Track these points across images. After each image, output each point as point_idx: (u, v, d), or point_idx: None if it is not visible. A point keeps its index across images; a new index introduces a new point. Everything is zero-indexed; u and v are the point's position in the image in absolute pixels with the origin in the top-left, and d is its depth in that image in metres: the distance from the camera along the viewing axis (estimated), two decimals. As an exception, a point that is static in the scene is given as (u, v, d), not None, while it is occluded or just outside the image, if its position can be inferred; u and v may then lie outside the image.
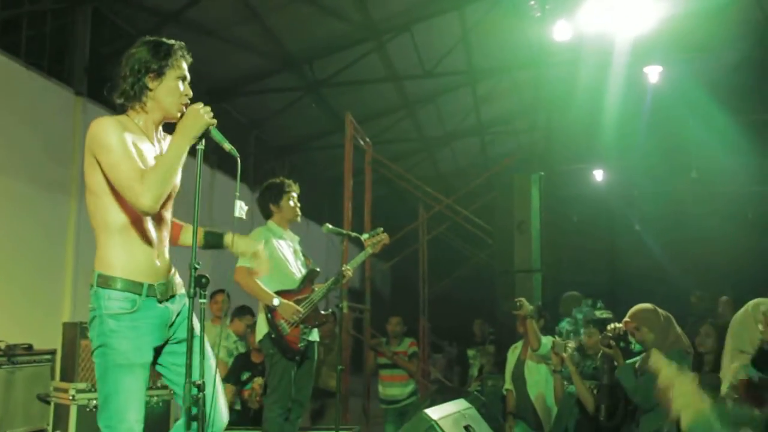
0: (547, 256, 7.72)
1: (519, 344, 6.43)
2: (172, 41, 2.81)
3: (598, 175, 16.23)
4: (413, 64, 12.67)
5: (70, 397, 4.91)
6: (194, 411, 2.49)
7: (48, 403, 5.20)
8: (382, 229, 5.18)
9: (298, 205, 5.12)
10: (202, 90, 11.98)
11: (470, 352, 9.09)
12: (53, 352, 5.61)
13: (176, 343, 2.80)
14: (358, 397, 9.22)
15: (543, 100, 14.79)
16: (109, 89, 2.78)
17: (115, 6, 9.93)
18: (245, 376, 6.53)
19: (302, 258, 5.14)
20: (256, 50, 11.45)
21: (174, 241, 3.01)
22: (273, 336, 4.72)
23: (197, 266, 2.52)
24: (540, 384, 6.03)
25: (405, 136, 16.33)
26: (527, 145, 15.49)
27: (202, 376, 2.55)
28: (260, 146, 14.53)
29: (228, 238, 3.03)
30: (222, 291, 6.89)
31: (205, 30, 10.43)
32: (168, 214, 2.85)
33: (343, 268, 4.96)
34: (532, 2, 10.65)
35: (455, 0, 11.35)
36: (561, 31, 9.56)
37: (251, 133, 14.17)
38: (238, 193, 2.82)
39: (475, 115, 15.69)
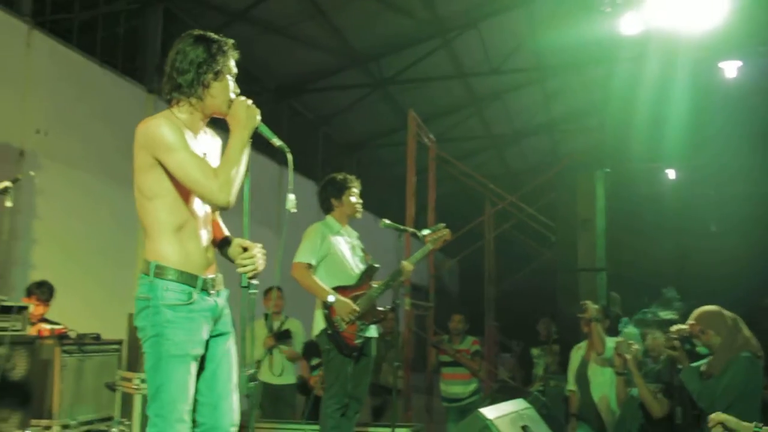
0: (614, 254, 7.52)
1: (583, 344, 6.28)
2: (222, 37, 2.82)
3: (671, 173, 15.74)
4: (480, 61, 12.56)
5: (135, 386, 5.01)
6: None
7: (115, 391, 5.32)
8: (443, 224, 5.08)
9: (360, 201, 5.09)
10: (270, 87, 12.14)
11: (534, 352, 8.92)
12: (120, 342, 5.74)
13: (212, 337, 2.81)
14: (421, 395, 9.18)
15: (612, 97, 14.43)
16: (161, 82, 2.81)
17: (185, 5, 10.13)
18: (314, 361, 6.55)
19: (361, 254, 5.09)
20: (323, 47, 11.52)
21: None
22: (329, 332, 4.70)
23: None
24: (605, 386, 5.87)
25: (472, 134, 16.21)
26: (597, 142, 15.15)
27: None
28: (328, 143, 14.64)
29: (230, 251, 2.90)
30: (275, 287, 6.94)
31: (272, 27, 10.56)
32: (213, 213, 2.91)
33: (402, 264, 4.91)
34: (604, -4, 10.39)
35: (523, -1, 11.18)
36: (630, 25, 9.28)
37: (319, 129, 14.28)
38: (291, 186, 2.82)
39: (545, 112, 15.45)
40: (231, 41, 2.84)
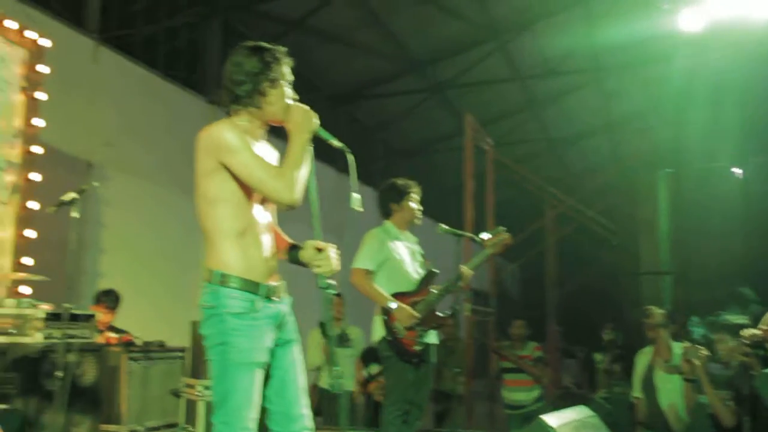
0: (679, 257, 7.28)
1: (648, 349, 6.11)
2: (275, 46, 2.86)
3: (737, 172, 15.25)
4: (537, 63, 12.42)
5: (198, 393, 5.07)
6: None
7: (179, 397, 5.39)
8: (503, 228, 4.99)
9: (420, 207, 5.04)
10: (327, 94, 12.21)
11: (597, 357, 8.73)
12: (184, 350, 5.81)
13: (278, 345, 2.80)
14: (484, 401, 9.08)
15: (673, 95, 14.07)
16: (220, 92, 2.84)
17: (243, 17, 10.27)
18: (374, 369, 6.52)
19: (420, 259, 5.03)
20: (380, 53, 11.56)
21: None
22: (389, 339, 4.67)
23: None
24: (673, 393, 5.69)
25: (530, 137, 16.04)
26: (658, 142, 14.80)
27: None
28: (385, 149, 14.65)
29: (304, 254, 2.89)
30: (337, 295, 6.94)
31: (328, 35, 10.62)
32: (273, 218, 2.92)
33: (461, 270, 4.84)
34: (662, -8, 10.15)
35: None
36: (690, 21, 9.02)
37: (377, 136, 14.31)
38: (354, 186, 2.84)
39: (604, 113, 15.16)
40: (284, 49, 2.87)
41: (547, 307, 11.58)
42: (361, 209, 2.85)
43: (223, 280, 2.67)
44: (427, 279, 4.87)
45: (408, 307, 4.65)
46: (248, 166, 2.64)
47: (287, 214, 2.93)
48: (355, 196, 2.85)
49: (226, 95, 2.83)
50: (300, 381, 2.84)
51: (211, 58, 9.88)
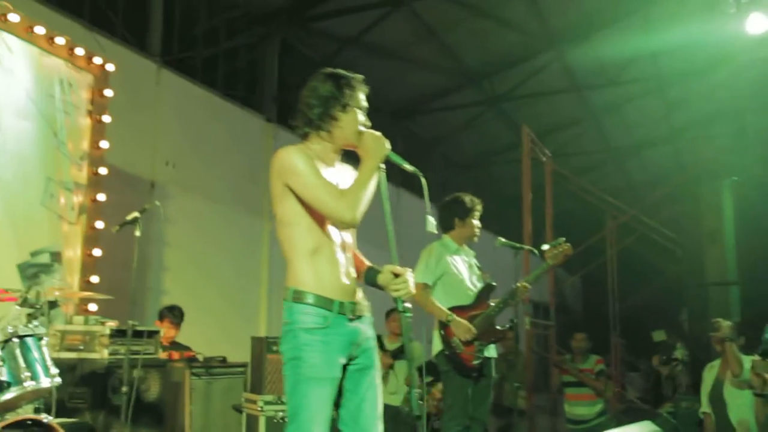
0: (746, 267, 7.04)
1: (716, 363, 5.94)
2: (352, 74, 2.91)
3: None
4: (595, 73, 12.25)
5: (259, 408, 5.13)
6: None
7: (241, 413, 5.45)
8: (563, 239, 4.92)
9: (479, 225, 5.01)
10: (385, 109, 12.27)
11: (663, 371, 8.51)
12: (245, 365, 5.88)
13: (357, 369, 2.83)
14: (546, 416, 8.94)
15: (739, 102, 13.69)
16: (293, 117, 2.92)
17: (300, 36, 10.42)
18: (427, 379, 6.50)
19: (478, 273, 5.00)
20: (436, 68, 11.59)
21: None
22: (447, 353, 4.65)
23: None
24: (743, 408, 5.52)
25: (590, 148, 15.80)
26: (723, 150, 14.40)
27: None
28: (444, 163, 14.63)
29: (381, 278, 2.92)
30: (396, 309, 6.94)
31: (384, 51, 10.70)
32: (350, 239, 2.93)
33: (519, 284, 4.79)
34: (728, -5, 9.94)
35: (637, 5, 10.80)
36: (757, 24, 8.75)
37: (435, 150, 14.31)
38: (428, 209, 2.92)
39: (666, 121, 14.85)
40: (360, 77, 2.94)
41: (609, 319, 11.35)
42: (436, 232, 2.95)
43: (297, 296, 2.73)
44: (485, 292, 4.86)
45: (465, 321, 4.64)
46: (309, 187, 2.70)
47: (362, 238, 3.02)
48: (430, 220, 2.92)
49: (300, 119, 2.89)
50: (376, 408, 2.84)
51: (269, 76, 10.08)
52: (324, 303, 2.72)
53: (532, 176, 8.81)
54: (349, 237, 2.93)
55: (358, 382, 2.81)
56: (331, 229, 2.81)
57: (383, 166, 2.79)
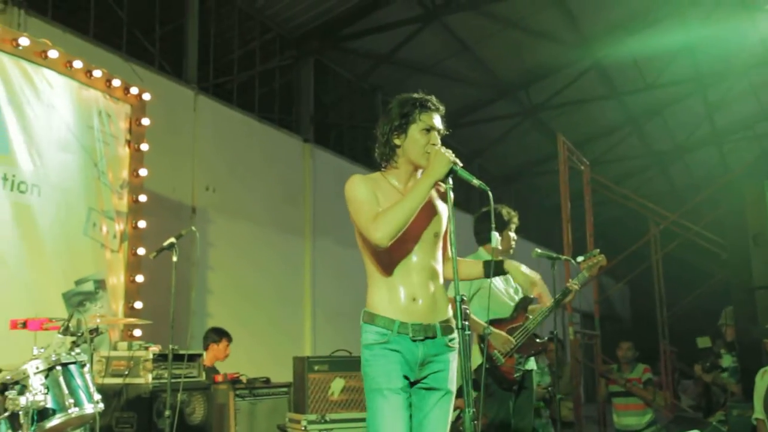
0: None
1: (770, 368, 5.77)
2: (419, 95, 2.92)
3: None
4: (634, 78, 12.14)
5: (303, 428, 5.16)
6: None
7: (286, 432, 5.49)
8: (598, 250, 4.85)
9: (515, 238, 4.96)
10: (421, 126, 12.29)
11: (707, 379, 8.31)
12: (289, 385, 5.91)
13: (425, 388, 2.88)
14: (594, 426, 8.81)
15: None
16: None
17: (334, 55, 10.52)
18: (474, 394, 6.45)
19: (515, 286, 4.96)
20: (471, 81, 11.61)
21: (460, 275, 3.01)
22: (487, 366, 4.63)
23: (463, 297, 2.63)
24: (799, 413, 5.36)
25: (633, 153, 15.64)
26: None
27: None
28: (484, 175, 14.58)
29: (507, 265, 3.11)
30: None
31: (417, 68, 10.74)
32: (430, 259, 2.92)
33: (568, 284, 4.74)
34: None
35: (673, 7, 10.68)
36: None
37: (474, 162, 14.30)
38: (493, 225, 3.06)
39: (708, 123, 14.61)
40: (430, 97, 2.94)
41: (657, 326, 11.15)
42: (500, 248, 3.21)
43: (366, 318, 2.87)
44: (523, 305, 4.82)
45: (504, 333, 4.62)
46: (355, 214, 2.82)
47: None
48: (495, 236, 2.92)
49: (377, 151, 2.98)
50: (440, 428, 2.85)
51: (305, 97, 10.20)
52: (385, 323, 2.82)
53: (572, 185, 8.75)
54: (430, 256, 2.92)
55: (425, 399, 2.87)
56: (401, 251, 2.84)
57: (450, 182, 2.75)
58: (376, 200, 2.80)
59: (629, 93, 12.81)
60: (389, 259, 2.85)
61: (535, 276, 3.17)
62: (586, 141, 13.50)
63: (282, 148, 9.54)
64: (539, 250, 4.91)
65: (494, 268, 3.10)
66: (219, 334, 6.41)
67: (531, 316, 4.74)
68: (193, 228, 4.81)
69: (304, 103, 10.19)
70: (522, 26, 10.51)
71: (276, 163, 9.33)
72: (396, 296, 2.84)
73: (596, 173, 10.24)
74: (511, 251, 4.95)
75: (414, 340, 2.81)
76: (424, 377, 2.86)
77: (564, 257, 5.13)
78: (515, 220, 4.94)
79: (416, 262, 2.88)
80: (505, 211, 4.94)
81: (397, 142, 2.88)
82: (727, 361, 7.56)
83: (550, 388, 7.00)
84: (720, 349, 8.15)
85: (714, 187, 9.66)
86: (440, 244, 2.97)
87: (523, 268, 3.09)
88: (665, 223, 9.66)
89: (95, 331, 4.05)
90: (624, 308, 19.67)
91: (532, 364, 4.78)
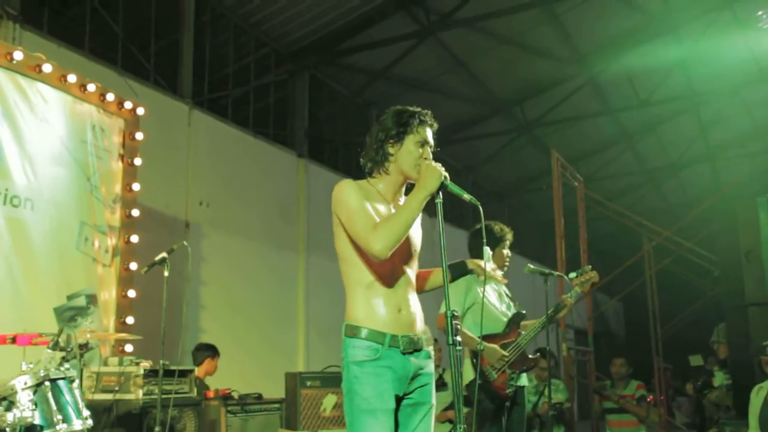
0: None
1: (765, 384, 5.77)
2: (417, 109, 2.93)
3: None
4: (628, 95, 12.22)
5: (294, 444, 5.14)
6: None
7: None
8: (590, 267, 4.89)
9: (509, 254, 4.98)
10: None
11: (687, 387, 8.36)
12: (281, 401, 5.89)
13: (410, 404, 2.82)
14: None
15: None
16: (361, 155, 2.99)
17: (329, 71, 10.55)
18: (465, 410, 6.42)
19: (507, 301, 4.98)
20: (465, 97, 11.66)
21: (422, 287, 3.09)
22: (479, 382, 4.61)
23: (455, 313, 2.59)
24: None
25: (626, 170, 15.71)
26: (763, 167, 14.18)
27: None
28: (477, 191, 14.59)
29: (470, 263, 3.14)
30: (434, 341, 6.91)
31: (413, 83, 10.77)
32: (411, 272, 2.92)
33: (562, 298, 4.73)
34: (761, 12, 9.86)
35: (667, 25, 10.75)
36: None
37: (467, 178, 14.31)
38: (485, 240, 3.02)
39: (702, 140, 14.68)
40: (427, 112, 2.94)
41: (651, 343, 11.16)
42: (492, 263, 3.01)
43: (350, 331, 2.77)
44: (515, 320, 4.81)
45: (497, 348, 4.61)
46: (350, 220, 2.75)
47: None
48: (487, 251, 2.94)
49: (364, 157, 2.97)
50: None
51: (300, 112, 10.19)
52: (375, 336, 2.73)
53: (567, 201, 8.75)
54: (411, 269, 2.92)
55: (410, 417, 2.82)
56: (389, 263, 2.79)
57: (440, 197, 2.72)
58: (368, 207, 2.77)
59: (623, 110, 12.87)
60: (376, 270, 2.79)
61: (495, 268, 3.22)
62: (580, 158, 13.54)
63: (276, 163, 9.53)
64: (532, 266, 4.93)
65: (458, 269, 3.10)
66: (213, 350, 6.40)
67: (524, 332, 4.75)
68: (185, 243, 4.79)
69: (298, 118, 10.19)
70: (517, 43, 10.56)
71: (270, 178, 9.32)
72: (382, 308, 2.77)
73: (590, 189, 10.29)
74: (505, 268, 4.93)
75: (404, 353, 2.77)
76: (411, 392, 2.81)
77: (557, 273, 5.11)
78: (509, 236, 4.95)
79: (400, 274, 2.85)
80: (498, 227, 4.97)
81: (391, 150, 2.88)
82: (719, 379, 7.56)
83: (557, 405, 6.96)
84: (713, 366, 8.15)
85: (707, 203, 9.71)
86: (415, 258, 2.96)
87: (483, 263, 3.03)
88: (659, 239, 9.70)
89: (85, 347, 4.03)
90: (618, 324, 19.64)
91: (524, 380, 4.77)
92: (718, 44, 10.98)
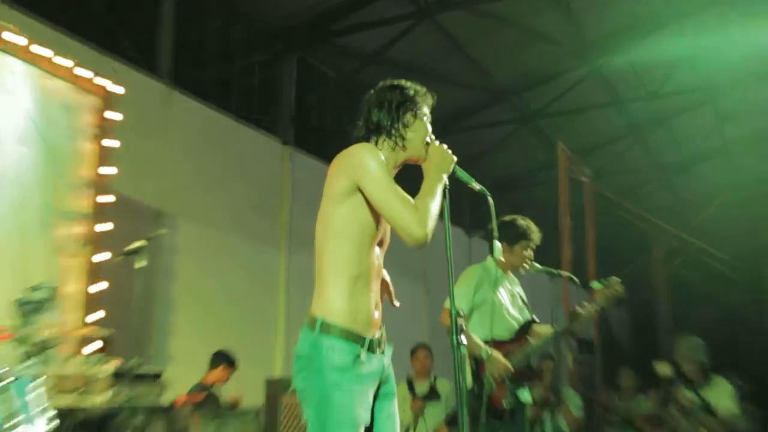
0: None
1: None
2: (417, 85, 2.92)
3: None
4: (636, 86, 12.13)
5: (274, 454, 5.05)
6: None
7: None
8: (617, 279, 4.66)
9: (531, 257, 4.79)
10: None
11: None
12: (259, 410, 5.81)
13: (377, 398, 2.72)
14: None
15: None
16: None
17: (318, 54, 10.42)
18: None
19: (520, 305, 4.85)
20: (464, 84, 11.52)
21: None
22: (476, 392, 4.44)
23: (460, 313, 2.56)
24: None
25: (636, 165, 15.59)
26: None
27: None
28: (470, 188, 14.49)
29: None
30: (424, 347, 6.86)
31: (407, 68, 10.66)
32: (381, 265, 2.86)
33: (576, 309, 4.58)
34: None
35: (680, 12, 10.66)
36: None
37: (466, 171, 14.22)
38: (495, 234, 3.00)
39: (718, 134, 14.63)
40: (424, 88, 2.94)
41: (660, 352, 11.11)
42: (502, 258, 3.14)
43: (325, 328, 2.60)
44: (526, 328, 4.70)
45: (502, 358, 4.45)
46: (385, 192, 2.61)
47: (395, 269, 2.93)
48: (498, 245, 2.94)
49: (364, 128, 2.86)
50: None
51: (286, 96, 10.09)
52: (356, 339, 2.61)
53: (573, 198, 8.69)
54: (381, 262, 2.84)
55: (378, 411, 2.72)
56: (376, 253, 2.75)
57: (446, 183, 2.74)
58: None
59: (633, 101, 12.78)
60: (369, 259, 2.70)
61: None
62: (587, 151, 13.40)
63: (260, 151, 9.41)
64: (538, 265, 4.76)
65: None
66: (232, 362, 6.40)
67: (533, 341, 4.61)
68: (164, 231, 4.69)
69: (284, 102, 10.08)
70: (521, 27, 10.44)
71: (253, 166, 9.21)
72: (363, 306, 2.66)
73: (595, 186, 10.18)
74: (522, 271, 4.80)
75: (377, 355, 2.70)
76: (379, 387, 2.74)
77: (565, 273, 4.99)
78: (535, 236, 4.78)
79: (378, 267, 2.79)
80: (525, 223, 4.81)
81: (411, 120, 2.83)
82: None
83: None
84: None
85: (721, 200, 9.65)
86: (384, 250, 2.88)
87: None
88: (671, 241, 9.63)
89: (47, 343, 3.92)
90: (622, 333, 19.59)
91: (526, 395, 4.62)
92: (732, 35, 10.89)
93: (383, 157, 2.70)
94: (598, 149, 14.12)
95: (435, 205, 2.65)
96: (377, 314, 2.73)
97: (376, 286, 2.76)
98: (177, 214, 7.99)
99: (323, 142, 11.06)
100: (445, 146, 2.81)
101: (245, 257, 8.86)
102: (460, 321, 2.58)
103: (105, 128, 6.07)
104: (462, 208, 13.61)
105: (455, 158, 2.78)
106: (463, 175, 2.80)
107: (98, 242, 5.84)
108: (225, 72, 9.50)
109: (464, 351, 2.63)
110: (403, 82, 2.91)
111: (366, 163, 2.63)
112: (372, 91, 2.90)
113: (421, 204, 2.62)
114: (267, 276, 9.23)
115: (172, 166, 8.01)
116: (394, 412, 2.79)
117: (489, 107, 12.51)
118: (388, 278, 2.98)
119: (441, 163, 2.77)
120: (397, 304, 3.03)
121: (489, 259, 4.76)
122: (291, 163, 9.73)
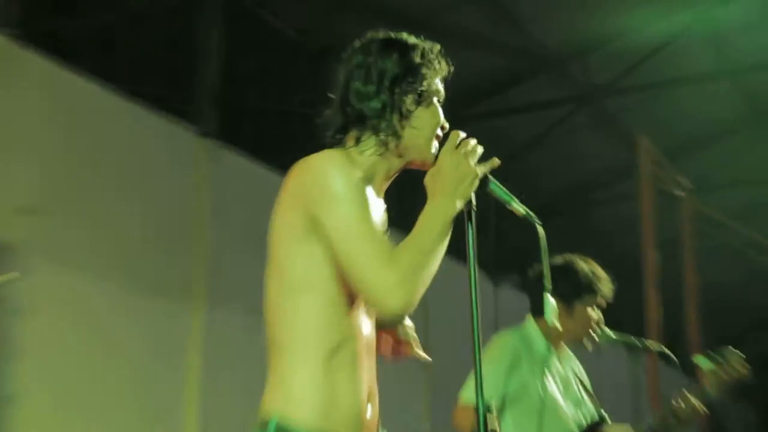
0: None
1: None
2: (425, 41, 2.89)
3: None
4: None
5: None
6: None
7: None
8: (738, 354, 4.71)
9: (600, 319, 4.86)
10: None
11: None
12: None
13: None
14: None
15: None
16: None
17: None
18: None
19: (580, 392, 4.92)
20: (494, 46, 11.81)
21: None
22: None
23: (489, 406, 2.59)
24: None
25: (760, 172, 15.53)
26: None
27: None
28: (500, 210, 14.37)
29: None
30: None
31: (401, 18, 10.67)
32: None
33: (674, 401, 4.60)
34: None
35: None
36: None
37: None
38: (547, 284, 2.99)
39: None
40: (438, 46, 2.89)
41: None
42: (558, 324, 3.35)
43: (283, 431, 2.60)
44: (592, 430, 4.76)
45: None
46: (349, 230, 2.57)
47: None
48: (550, 302, 2.93)
49: (340, 114, 2.82)
50: None
51: (206, 63, 9.95)
52: None
53: (661, 221, 8.72)
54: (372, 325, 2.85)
55: None
56: (359, 314, 2.72)
57: (473, 202, 2.69)
58: (372, 209, 2.66)
59: (752, 69, 12.71)
60: (350, 324, 2.68)
61: None
62: (681, 150, 13.41)
63: (163, 146, 9.28)
64: (610, 333, 4.78)
65: None
66: None
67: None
68: (16, 274, 4.56)
69: (204, 73, 9.92)
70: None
71: (151, 170, 9.07)
72: (344, 391, 2.64)
73: (695, 203, 10.16)
74: (587, 344, 4.85)
75: None
76: None
77: (653, 345, 5.04)
78: (605, 289, 4.85)
79: (369, 334, 2.78)
80: (588, 268, 4.87)
81: (412, 108, 2.77)
82: None
83: None
84: None
85: None
86: None
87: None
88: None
89: None
90: (737, 426, 19.75)
91: None
92: None
93: (361, 173, 2.69)
94: (703, 148, 14.09)
95: (432, 254, 2.58)
96: (370, 410, 2.75)
97: (367, 364, 2.75)
98: (31, 244, 7.79)
99: (262, 132, 11.06)
100: (470, 144, 2.67)
101: (137, 312, 8.70)
102: (492, 423, 2.54)
103: None
104: (484, 240, 13.39)
105: (482, 170, 2.66)
106: (498, 190, 2.74)
107: None
108: (108, 21, 9.46)
109: None
110: (404, 36, 2.88)
111: (326, 184, 2.60)
112: (352, 50, 2.87)
113: (406, 255, 2.55)
114: (171, 342, 9.11)
115: (15, 174, 7.84)
116: None
117: (529, 80, 12.64)
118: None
119: (456, 179, 2.63)
120: (423, 354, 3.08)
121: (530, 322, 4.88)
122: (213, 164, 9.59)
